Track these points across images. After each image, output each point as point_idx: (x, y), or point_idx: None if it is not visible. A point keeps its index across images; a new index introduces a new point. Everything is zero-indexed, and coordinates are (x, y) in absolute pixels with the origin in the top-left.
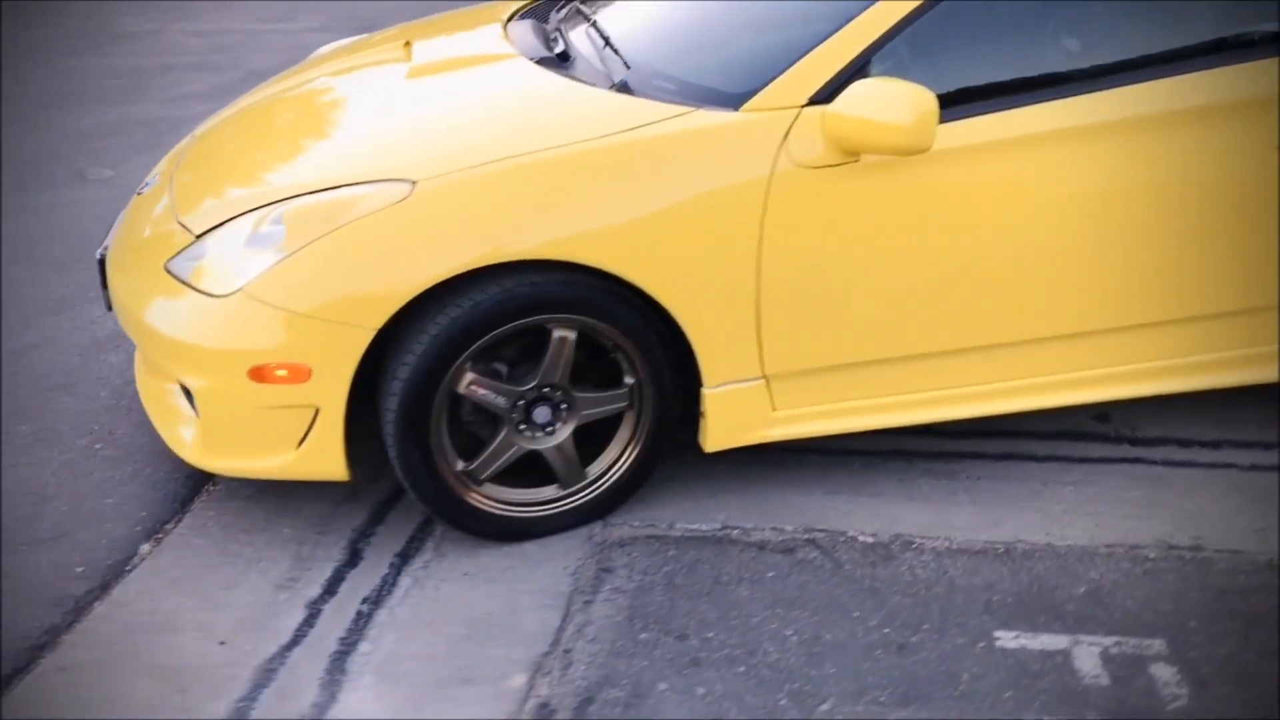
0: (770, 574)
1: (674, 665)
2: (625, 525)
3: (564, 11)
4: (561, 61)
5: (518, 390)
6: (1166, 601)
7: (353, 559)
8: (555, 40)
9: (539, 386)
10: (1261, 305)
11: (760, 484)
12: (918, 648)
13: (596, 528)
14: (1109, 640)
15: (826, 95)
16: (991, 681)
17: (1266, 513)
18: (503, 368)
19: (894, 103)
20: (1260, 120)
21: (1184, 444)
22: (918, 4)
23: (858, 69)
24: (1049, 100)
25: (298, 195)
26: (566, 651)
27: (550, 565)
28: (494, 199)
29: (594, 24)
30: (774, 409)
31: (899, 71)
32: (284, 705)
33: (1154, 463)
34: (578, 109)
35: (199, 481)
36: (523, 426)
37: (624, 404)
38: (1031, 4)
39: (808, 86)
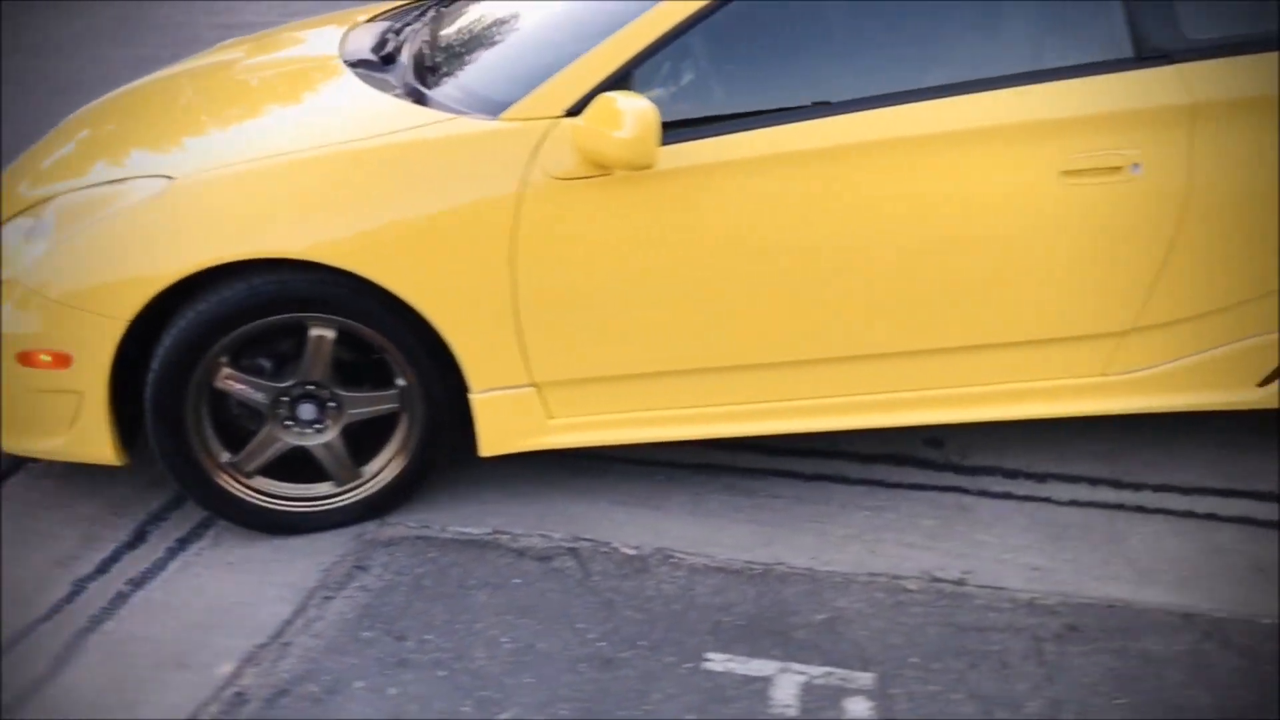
0: (516, 580)
1: (380, 665)
2: (400, 525)
3: (413, 17)
4: (379, 66)
5: (277, 386)
6: (900, 635)
7: (136, 541)
8: (386, 45)
9: (301, 384)
10: (1080, 334)
11: (551, 491)
12: (624, 664)
13: (371, 526)
14: (819, 670)
15: (583, 107)
16: (680, 703)
17: (1055, 551)
18: (268, 364)
19: (618, 117)
20: (1047, 143)
21: (1010, 475)
22: (680, 20)
23: (616, 82)
24: (814, 119)
25: (76, 189)
26: (285, 644)
27: (310, 560)
28: (245, 197)
29: (430, 30)
30: (550, 416)
31: (664, 86)
32: (10, 677)
33: (967, 492)
34: (354, 113)
35: (21, 459)
36: (289, 422)
37: (395, 405)
38: (801, 26)
39: (566, 97)
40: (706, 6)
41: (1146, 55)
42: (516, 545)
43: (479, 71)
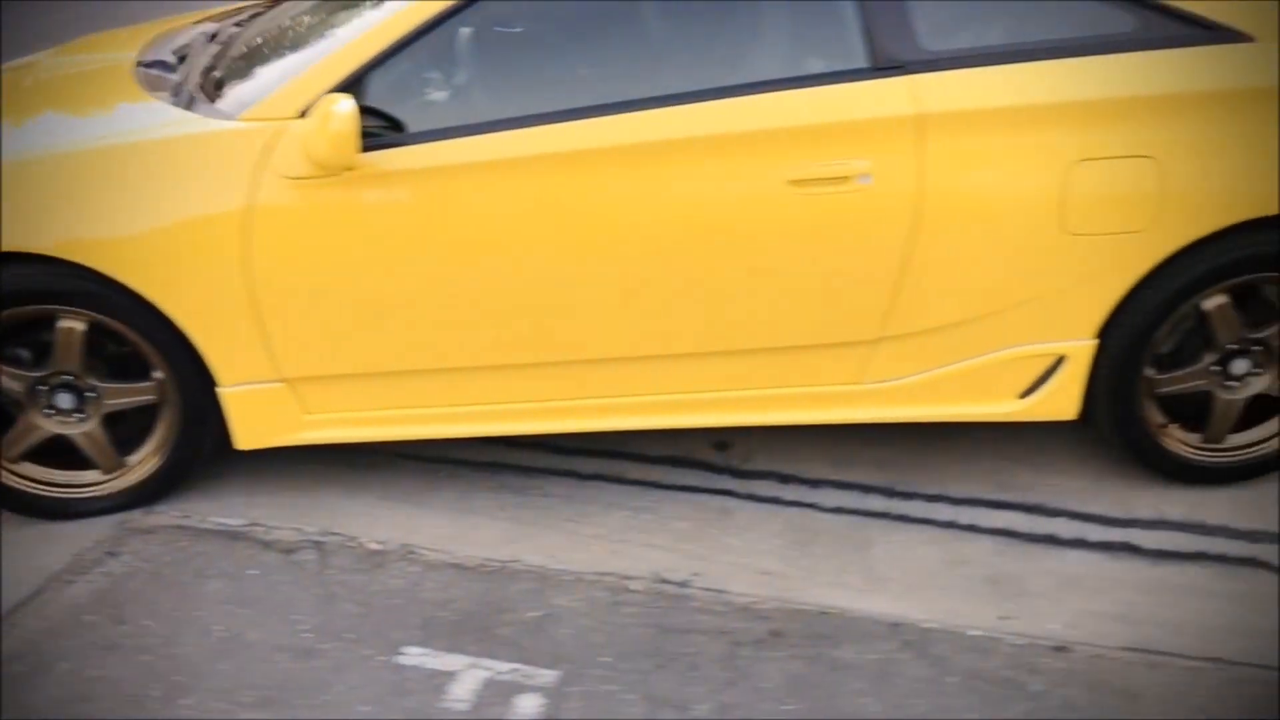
0: (253, 571)
1: (93, 647)
2: (165, 514)
3: (242, 19)
4: (169, 68)
5: (30, 375)
6: (603, 635)
7: None
8: (184, 50)
9: (58, 373)
10: (831, 341)
11: (323, 485)
12: (323, 655)
13: (138, 514)
14: (506, 667)
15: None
16: (361, 694)
17: (796, 557)
18: (26, 353)
19: (324, 119)
20: (773, 153)
21: (784, 480)
22: (411, 28)
23: (349, 86)
24: (554, 123)
25: None
26: (12, 625)
27: (66, 545)
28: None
29: (231, 35)
30: (306, 412)
31: (403, 90)
32: None
33: (736, 495)
34: (113, 114)
35: None
36: (49, 411)
37: (153, 397)
38: (540, 35)
39: (299, 100)
40: (438, 16)
41: (881, 66)
42: (267, 537)
43: (248, 77)
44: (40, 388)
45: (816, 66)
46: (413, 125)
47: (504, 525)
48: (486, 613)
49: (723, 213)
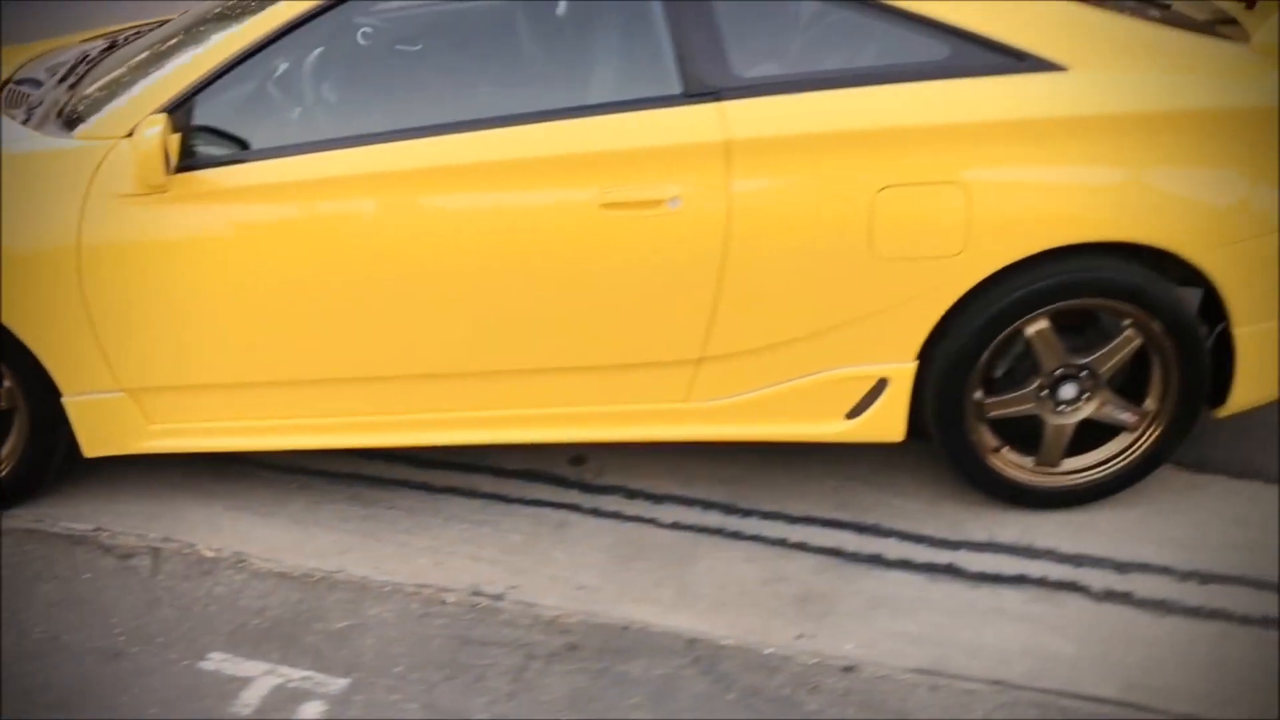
0: (87, 575)
1: None
2: (20, 517)
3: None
4: (35, 86)
5: None
6: (405, 645)
7: None
8: (54, 71)
9: None
10: (656, 360)
11: (179, 493)
12: (129, 658)
13: None
14: (299, 675)
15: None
16: (155, 697)
17: (616, 571)
18: None
19: (135, 140)
20: (587, 176)
21: (630, 495)
22: (230, 55)
23: (178, 105)
24: (358, 146)
25: None
26: None
27: None
28: None
29: (102, 54)
30: (150, 421)
31: (226, 113)
32: None
33: (579, 509)
34: None
35: None
36: None
37: (5, 404)
38: (356, 61)
39: (129, 119)
40: (253, 45)
41: (694, 93)
42: (110, 542)
43: (112, 96)
44: None
45: (633, 93)
46: (254, 144)
47: (340, 536)
48: (298, 621)
49: (540, 234)
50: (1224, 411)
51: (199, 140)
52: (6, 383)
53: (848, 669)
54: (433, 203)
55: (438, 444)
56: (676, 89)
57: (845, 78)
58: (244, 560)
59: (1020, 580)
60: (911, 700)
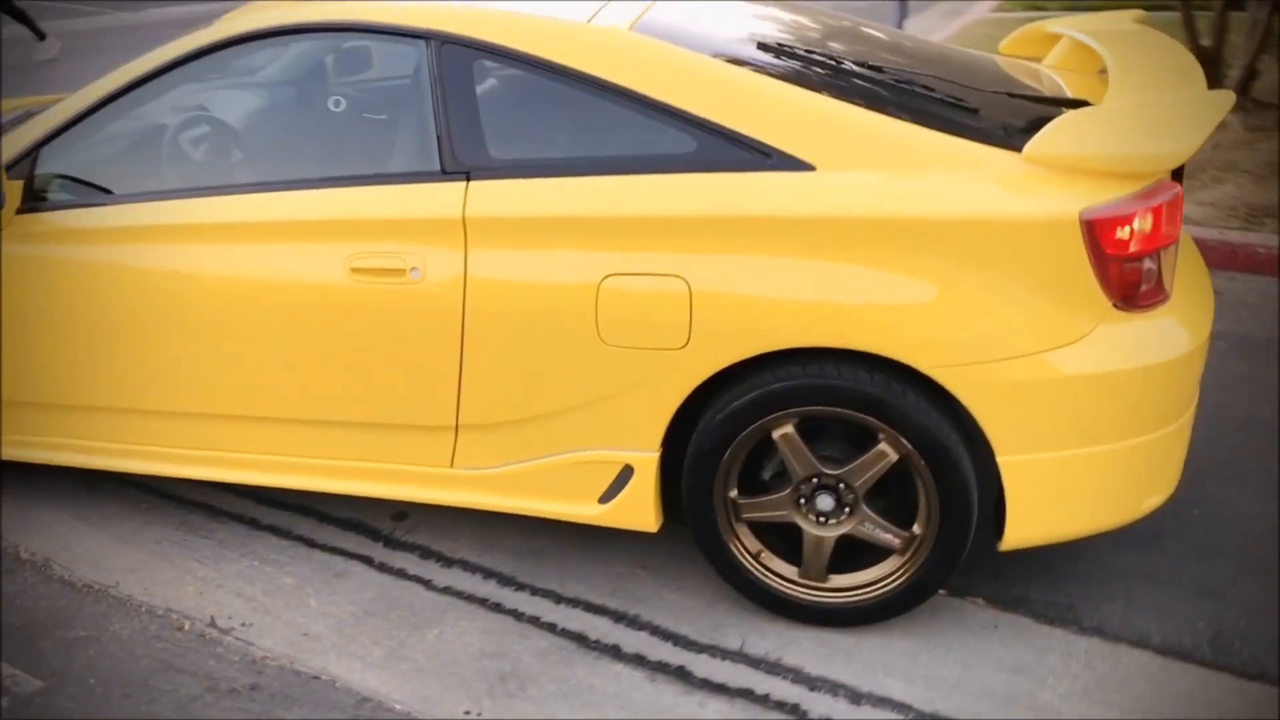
0: None
1: None
2: None
3: None
4: None
5: None
6: (112, 661)
7: None
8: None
9: None
10: (415, 423)
11: (44, 500)
12: None
13: None
14: (9, 671)
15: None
16: None
17: (351, 626)
18: None
19: None
20: (338, 241)
21: (425, 554)
22: (63, 120)
23: (26, 155)
24: (155, 200)
25: None
26: None
27: None
28: None
29: None
30: (5, 430)
31: (87, 156)
32: None
33: (369, 563)
34: None
35: None
36: None
37: None
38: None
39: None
40: (80, 114)
41: (448, 170)
42: None
43: None
44: None
45: (401, 167)
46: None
47: (142, 556)
48: (47, 625)
49: (299, 291)
50: (1003, 546)
51: (54, 186)
52: None
53: None
54: (213, 253)
55: (225, 480)
56: (435, 166)
57: (590, 165)
58: (48, 566)
59: (743, 694)
60: None
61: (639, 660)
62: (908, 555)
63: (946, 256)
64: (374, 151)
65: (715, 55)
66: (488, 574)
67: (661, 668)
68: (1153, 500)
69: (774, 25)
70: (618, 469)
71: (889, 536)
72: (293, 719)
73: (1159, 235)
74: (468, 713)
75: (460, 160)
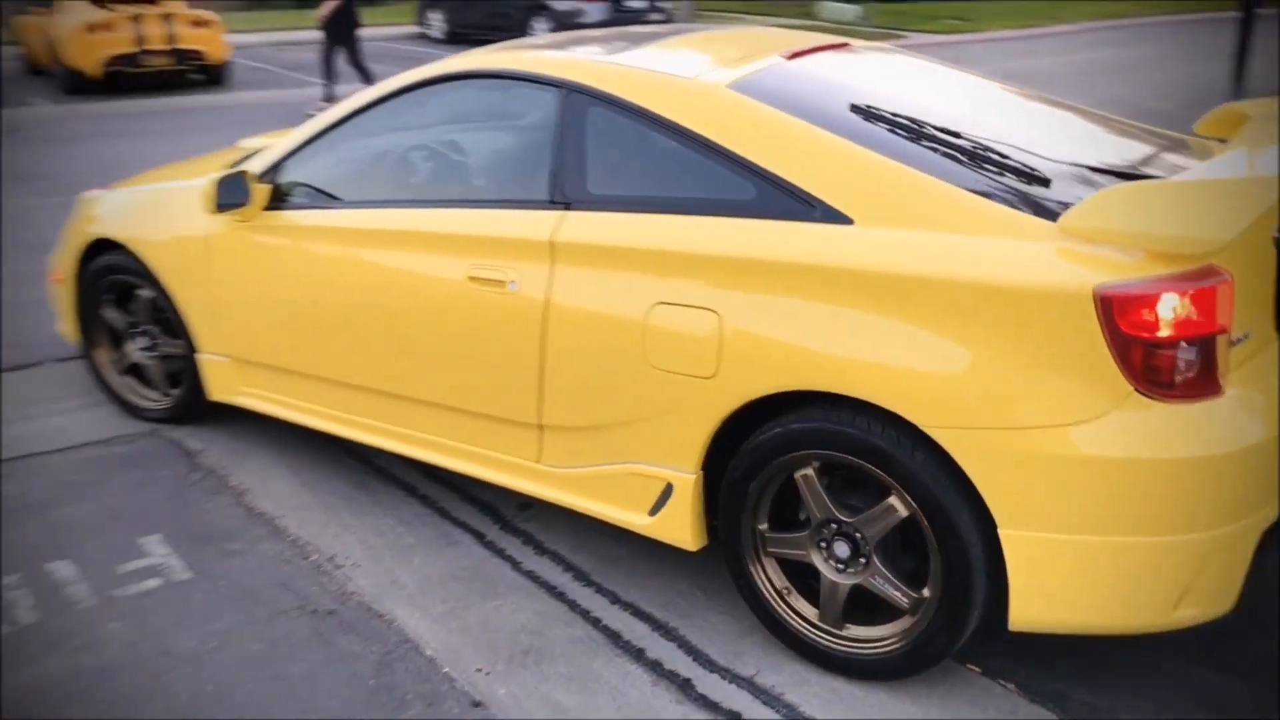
0: (165, 472)
1: None
2: (179, 430)
3: None
4: None
5: None
6: (250, 575)
7: None
8: None
9: None
10: (507, 418)
11: (284, 460)
12: (121, 514)
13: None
14: (169, 562)
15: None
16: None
17: (433, 584)
18: None
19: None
20: (462, 252)
21: (527, 541)
22: (306, 138)
23: (275, 167)
24: (354, 209)
25: None
26: None
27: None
28: None
29: None
30: (243, 384)
31: (304, 172)
32: None
33: (481, 538)
34: None
35: None
36: None
37: (180, 351)
38: (366, 156)
39: (258, 169)
40: (315, 134)
41: (555, 201)
42: (201, 462)
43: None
44: None
45: (520, 195)
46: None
47: (312, 500)
48: (217, 535)
49: (432, 290)
50: (1011, 625)
51: (295, 191)
52: (179, 343)
53: (476, 704)
54: (383, 255)
55: (379, 447)
56: (545, 196)
57: (662, 203)
58: (243, 494)
59: (729, 716)
60: None
61: (654, 666)
62: (916, 617)
63: (959, 317)
64: (505, 180)
65: (800, 111)
66: (568, 567)
67: (670, 676)
68: (1189, 612)
69: (884, 84)
70: (662, 485)
71: (897, 594)
72: (343, 644)
73: (1202, 323)
74: (479, 669)
75: (565, 193)
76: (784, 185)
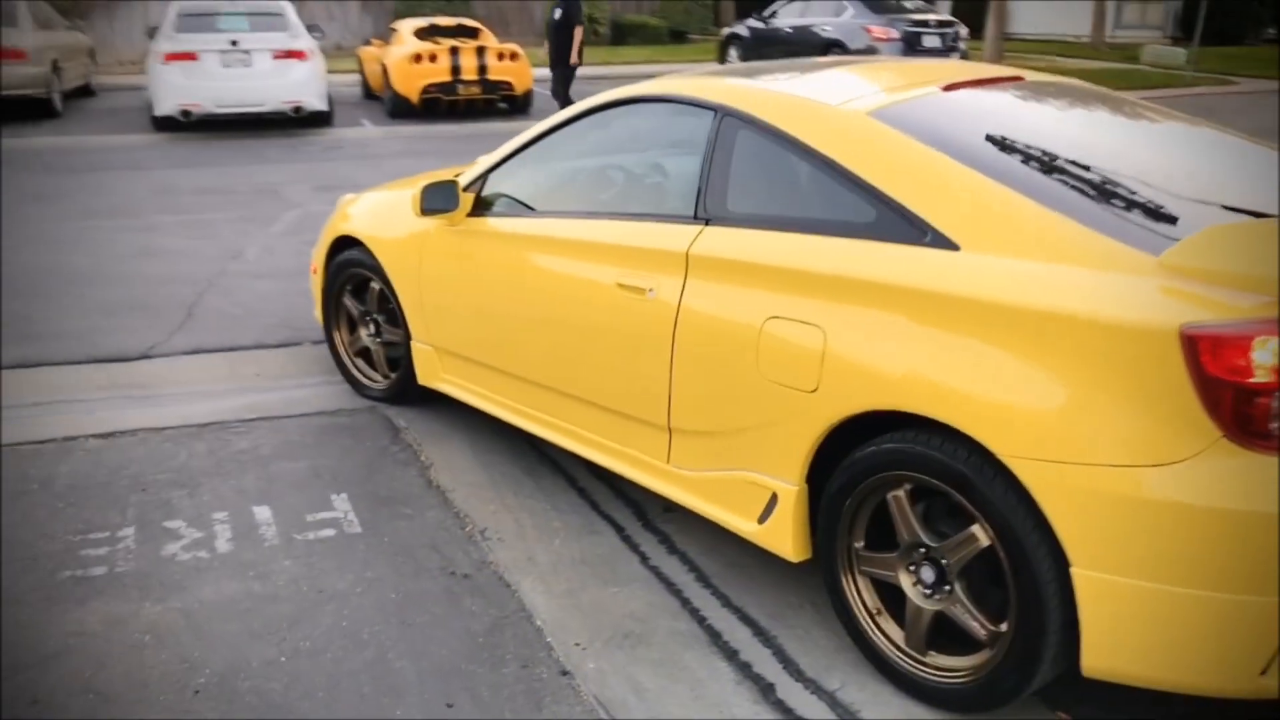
0: (381, 442)
1: None
2: (396, 413)
3: None
4: None
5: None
6: (411, 534)
7: None
8: None
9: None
10: (641, 418)
11: (458, 431)
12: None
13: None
14: (347, 516)
15: (469, 186)
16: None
17: (564, 564)
18: None
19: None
20: (611, 260)
21: (661, 541)
22: (506, 154)
23: (483, 176)
24: (538, 218)
25: None
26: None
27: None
28: None
29: None
30: (443, 370)
31: (505, 185)
32: None
33: (621, 531)
34: None
35: None
36: None
37: (397, 338)
38: (550, 173)
39: (466, 180)
40: (519, 149)
41: (698, 216)
42: (394, 425)
43: None
44: None
45: (670, 210)
46: (533, 205)
47: (484, 480)
48: (396, 500)
49: (587, 293)
50: (1084, 670)
51: (498, 201)
52: (399, 331)
53: (565, 673)
54: (556, 261)
55: (545, 437)
56: (690, 212)
57: (791, 222)
58: (428, 469)
59: None
60: None
61: (743, 667)
62: (993, 650)
63: (1044, 347)
64: (662, 195)
65: (933, 140)
66: (692, 568)
67: (755, 678)
68: (1275, 682)
69: (1037, 117)
70: (769, 494)
71: (976, 625)
72: (468, 604)
73: None
74: (577, 644)
75: (708, 209)
76: (901, 210)
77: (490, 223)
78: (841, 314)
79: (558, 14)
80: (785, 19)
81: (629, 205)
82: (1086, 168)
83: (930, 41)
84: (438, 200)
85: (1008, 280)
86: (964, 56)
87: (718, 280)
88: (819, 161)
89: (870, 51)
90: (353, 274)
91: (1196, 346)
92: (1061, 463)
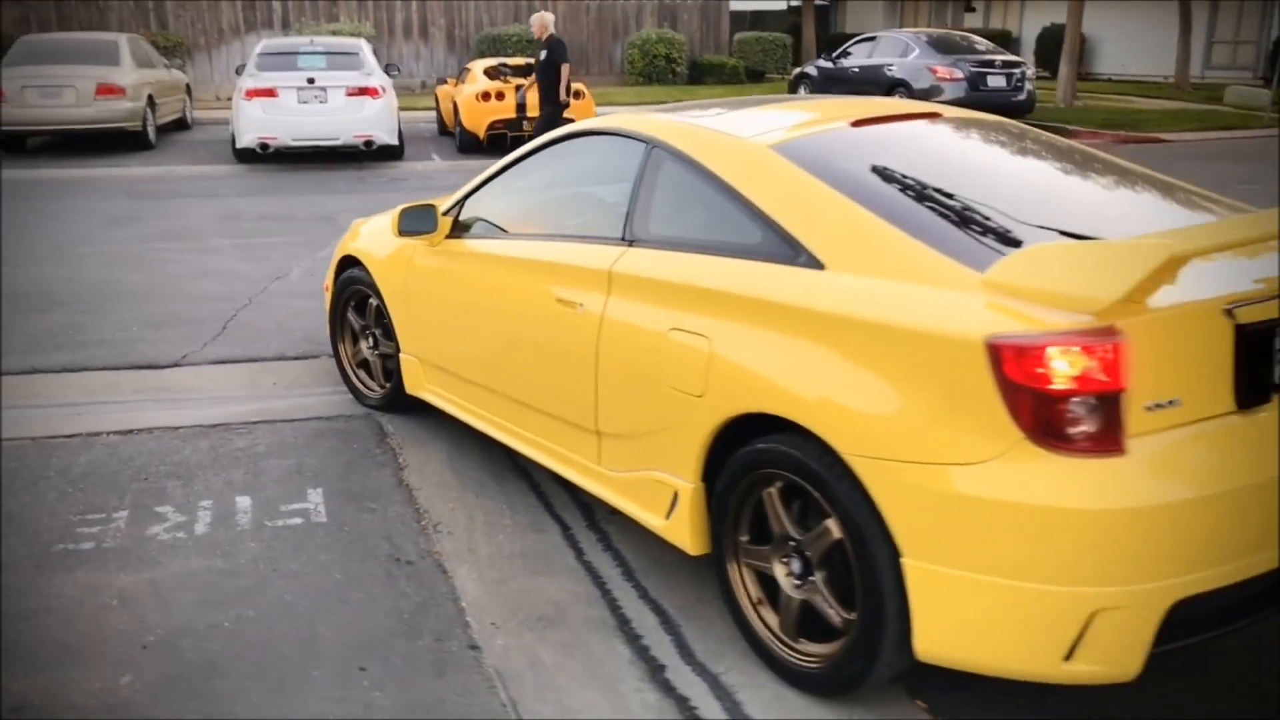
0: (354, 446)
1: None
2: (385, 418)
3: None
4: None
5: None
6: (381, 520)
7: None
8: None
9: None
10: (574, 421)
11: (438, 438)
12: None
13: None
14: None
15: (448, 210)
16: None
17: (501, 559)
18: None
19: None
20: (550, 276)
21: (601, 538)
22: (478, 183)
23: (460, 202)
24: (502, 239)
25: None
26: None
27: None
28: None
29: None
30: (426, 381)
31: (481, 206)
32: None
33: (567, 529)
34: None
35: None
36: None
37: (390, 351)
38: (519, 199)
39: (444, 206)
40: (491, 177)
41: (624, 238)
42: (387, 431)
43: None
44: None
45: (604, 232)
46: (499, 227)
47: (451, 481)
48: (365, 496)
49: (531, 304)
50: (917, 655)
51: (475, 225)
52: (392, 344)
53: (473, 647)
54: (505, 276)
55: (502, 441)
56: (619, 235)
57: (691, 244)
58: (402, 469)
59: (680, 701)
60: None
61: (641, 651)
62: (849, 637)
63: (885, 356)
64: (600, 219)
65: (822, 171)
66: (622, 563)
67: (649, 660)
68: (1084, 668)
69: (938, 151)
70: (672, 492)
71: (832, 613)
72: (403, 587)
73: (1102, 381)
74: (492, 623)
75: (634, 232)
76: (781, 233)
77: (461, 243)
78: (725, 326)
79: (543, 54)
80: (855, 59)
81: (572, 228)
82: (951, 195)
83: (995, 81)
84: (414, 223)
85: (858, 295)
86: (1031, 96)
87: (634, 296)
88: (723, 188)
89: (935, 91)
90: (355, 290)
91: (1000, 355)
92: (891, 460)
